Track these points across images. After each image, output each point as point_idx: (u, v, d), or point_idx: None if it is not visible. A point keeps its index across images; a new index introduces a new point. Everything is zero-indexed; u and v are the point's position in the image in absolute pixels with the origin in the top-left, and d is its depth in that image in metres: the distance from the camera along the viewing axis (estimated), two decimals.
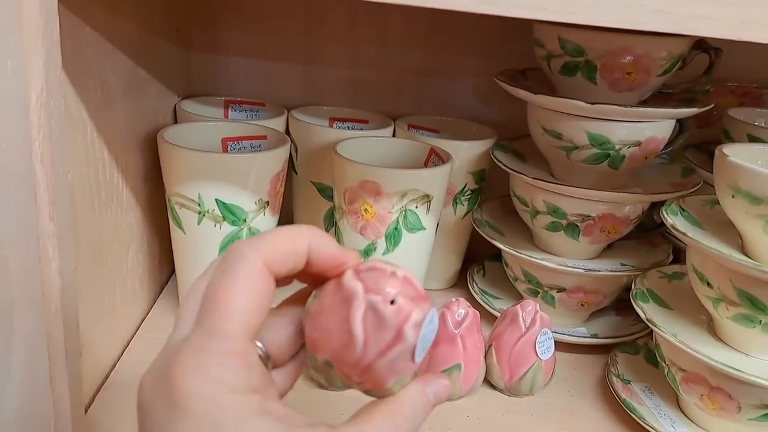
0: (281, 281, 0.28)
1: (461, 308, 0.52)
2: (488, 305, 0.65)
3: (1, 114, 0.33)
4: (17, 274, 0.36)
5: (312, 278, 0.29)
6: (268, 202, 0.56)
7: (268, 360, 0.28)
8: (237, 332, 0.25)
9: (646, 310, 0.51)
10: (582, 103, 0.52)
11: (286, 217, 0.65)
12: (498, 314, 0.60)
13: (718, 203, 0.47)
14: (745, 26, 0.35)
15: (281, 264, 0.27)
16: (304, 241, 0.27)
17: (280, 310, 0.30)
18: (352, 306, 0.26)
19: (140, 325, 0.59)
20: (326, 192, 0.65)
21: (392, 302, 0.26)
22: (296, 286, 0.31)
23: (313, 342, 0.28)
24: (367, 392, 0.28)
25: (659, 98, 0.60)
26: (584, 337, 0.62)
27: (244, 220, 0.55)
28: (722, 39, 0.35)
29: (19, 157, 0.34)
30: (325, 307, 0.27)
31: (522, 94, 0.56)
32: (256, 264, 0.26)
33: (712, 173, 0.47)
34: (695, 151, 0.68)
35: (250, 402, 0.24)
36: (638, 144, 0.56)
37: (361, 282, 0.26)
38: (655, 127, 0.56)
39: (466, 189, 0.67)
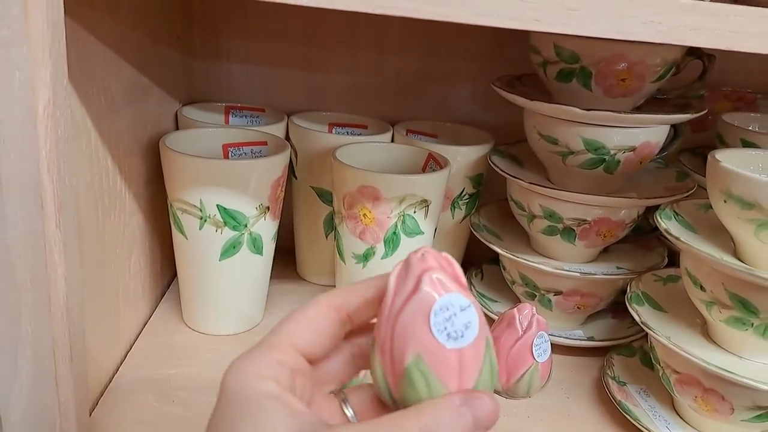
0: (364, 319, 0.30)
1: None
2: (486, 308, 0.66)
3: (9, 124, 0.33)
4: (24, 279, 0.37)
5: None
6: (268, 207, 0.56)
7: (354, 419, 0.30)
8: (281, 340, 0.28)
9: (640, 313, 0.52)
10: (577, 110, 0.53)
11: (286, 222, 0.66)
12: (496, 317, 0.61)
13: (712, 207, 0.48)
14: (734, 36, 0.36)
15: (347, 296, 0.29)
16: (372, 281, 0.30)
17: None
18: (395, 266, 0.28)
19: (143, 329, 0.60)
20: (326, 197, 0.66)
21: (422, 255, 0.28)
22: None
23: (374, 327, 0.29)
24: (398, 389, 0.28)
25: (654, 104, 0.60)
26: (581, 339, 0.63)
27: (245, 225, 0.55)
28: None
29: (26, 166, 0.34)
30: None
31: (518, 100, 0.57)
32: (318, 299, 0.29)
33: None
34: (690, 155, 0.69)
35: (267, 386, 0.26)
36: (633, 149, 0.56)
37: None
38: (649, 132, 0.56)
39: (464, 193, 0.67)
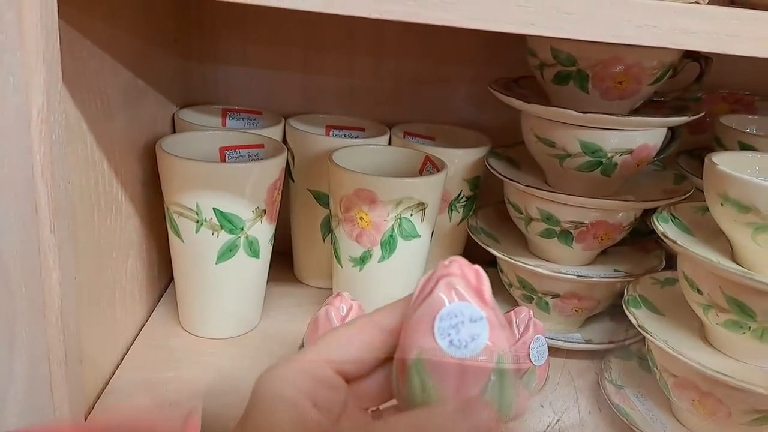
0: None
1: None
2: None
3: (3, 129, 0.33)
4: (19, 284, 0.36)
5: None
6: (265, 211, 0.56)
7: None
8: (314, 352, 0.29)
9: (638, 316, 0.52)
10: (574, 113, 0.53)
11: (283, 225, 0.66)
12: None
13: (709, 210, 0.48)
14: (730, 39, 0.36)
15: (392, 314, 0.30)
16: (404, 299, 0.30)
17: None
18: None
19: (139, 332, 0.60)
20: (323, 199, 0.66)
21: (449, 262, 0.28)
22: None
23: None
24: (403, 388, 0.28)
25: (651, 106, 0.60)
26: (578, 342, 0.63)
27: (242, 229, 0.55)
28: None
29: (20, 171, 0.34)
30: None
31: (515, 103, 0.57)
32: (364, 316, 0.30)
33: None
34: (688, 157, 0.69)
35: (284, 390, 0.27)
36: (630, 152, 0.56)
37: None
38: (646, 135, 0.56)
39: (461, 196, 0.67)
